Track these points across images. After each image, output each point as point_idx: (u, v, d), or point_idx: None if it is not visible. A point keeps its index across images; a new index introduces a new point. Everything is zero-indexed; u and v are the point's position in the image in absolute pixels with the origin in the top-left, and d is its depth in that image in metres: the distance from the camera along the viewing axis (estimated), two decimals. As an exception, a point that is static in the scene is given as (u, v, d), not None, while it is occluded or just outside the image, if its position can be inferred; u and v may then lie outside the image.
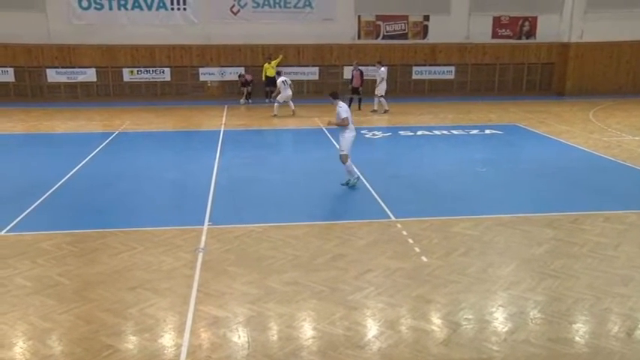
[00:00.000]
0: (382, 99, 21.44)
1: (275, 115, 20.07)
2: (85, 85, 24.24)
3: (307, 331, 6.13)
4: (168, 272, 7.46)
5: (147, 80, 25.16)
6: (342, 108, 11.38)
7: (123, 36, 24.20)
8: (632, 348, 5.73)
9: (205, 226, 9.10)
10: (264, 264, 7.76)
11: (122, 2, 24.12)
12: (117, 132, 17.30)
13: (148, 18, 24.41)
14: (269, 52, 24.75)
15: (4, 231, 8.90)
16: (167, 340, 5.93)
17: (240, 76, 24.59)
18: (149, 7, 24.42)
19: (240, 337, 5.98)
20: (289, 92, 20.32)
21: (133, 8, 24.28)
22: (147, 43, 24.53)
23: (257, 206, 10.31)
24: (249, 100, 24.05)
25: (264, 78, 24.39)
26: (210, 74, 25.39)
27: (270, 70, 24.25)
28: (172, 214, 9.89)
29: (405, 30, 26.34)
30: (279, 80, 20.76)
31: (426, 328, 6.15)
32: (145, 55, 24.87)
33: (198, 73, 25.29)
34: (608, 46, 26.05)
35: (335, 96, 11.54)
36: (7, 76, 24.04)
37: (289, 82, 20.61)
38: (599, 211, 9.77)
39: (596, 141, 15.89)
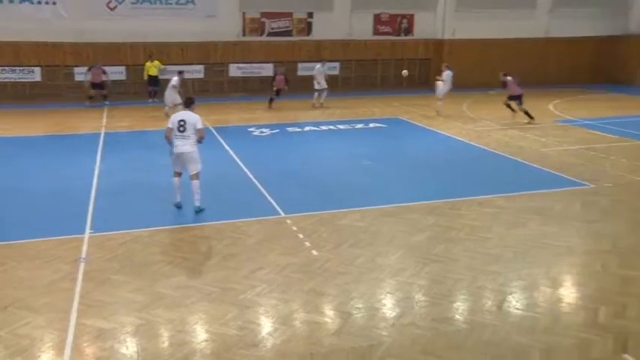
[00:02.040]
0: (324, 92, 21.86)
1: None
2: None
3: (199, 334, 6.02)
4: (46, 287, 6.99)
5: (13, 81, 23.36)
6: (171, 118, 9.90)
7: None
8: (502, 319, 6.22)
9: (87, 235, 8.64)
10: (151, 269, 7.50)
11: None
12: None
13: (10, 11, 22.60)
14: (151, 50, 23.91)
15: None
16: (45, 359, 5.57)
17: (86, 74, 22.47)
18: (10, 0, 22.61)
19: (128, 347, 5.74)
20: (176, 97, 18.02)
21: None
22: (10, 39, 22.73)
23: (144, 210, 9.94)
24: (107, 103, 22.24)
25: (145, 77, 23.54)
26: (85, 74, 24.08)
27: (152, 69, 23.45)
28: (49, 223, 9.26)
29: (289, 27, 26.56)
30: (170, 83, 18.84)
31: (319, 320, 6.26)
32: (9, 53, 23.06)
33: (73, 73, 23.88)
34: (477, 44, 27.87)
35: (184, 103, 10.16)
36: None
37: (177, 86, 18.53)
38: (473, 197, 10.45)
39: (469, 131, 16.97)
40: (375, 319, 6.29)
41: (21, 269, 7.47)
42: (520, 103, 18.61)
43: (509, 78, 18.77)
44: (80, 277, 7.23)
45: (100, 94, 22.48)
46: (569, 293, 6.95)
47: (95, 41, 23.64)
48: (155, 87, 23.52)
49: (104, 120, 19.28)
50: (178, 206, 9.76)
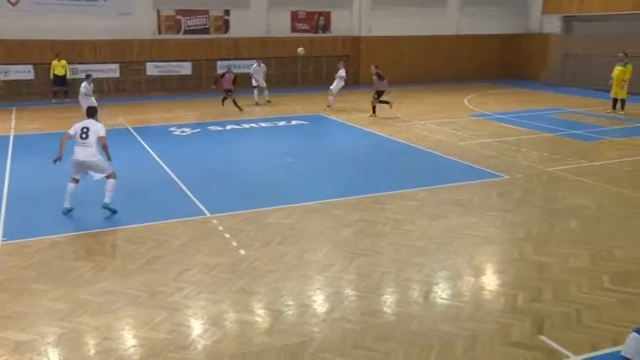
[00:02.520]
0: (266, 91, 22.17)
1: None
2: None
3: (127, 340, 5.85)
4: (-44, 300, 6.56)
5: None
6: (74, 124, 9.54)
7: None
8: (428, 309, 6.46)
9: (-1, 243, 8.17)
10: (73, 276, 7.21)
11: None
12: None
13: None
14: (59, 48, 22.81)
15: None
16: (-40, 376, 5.24)
17: None
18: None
19: (50, 359, 5.50)
20: (90, 102, 16.24)
21: None
22: None
23: (59, 216, 9.49)
24: None
25: (52, 76, 22.44)
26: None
27: (58, 68, 22.40)
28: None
29: (206, 25, 26.17)
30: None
31: (249, 319, 6.25)
32: None
33: (-26, 73, 22.41)
34: (392, 41, 28.65)
35: (86, 113, 9.87)
36: None
37: (88, 92, 17.29)
38: (396, 191, 10.76)
39: (389, 127, 17.42)
40: (305, 315, 6.35)
41: None
42: (377, 97, 19.08)
43: (379, 72, 19.07)
44: (-7, 288, 6.84)
45: None
46: (490, 281, 7.31)
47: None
48: (63, 87, 22.51)
49: (13, 122, 18.21)
50: (66, 212, 9.38)
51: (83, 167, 9.25)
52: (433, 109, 20.81)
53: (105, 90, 24.48)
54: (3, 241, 8.28)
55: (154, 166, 12.83)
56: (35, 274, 7.23)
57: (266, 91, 22.12)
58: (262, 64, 22.61)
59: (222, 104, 20.70)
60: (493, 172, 12.19)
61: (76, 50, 23.66)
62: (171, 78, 25.80)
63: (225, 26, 26.48)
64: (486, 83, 28.81)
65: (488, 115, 19.63)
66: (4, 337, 5.81)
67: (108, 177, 9.34)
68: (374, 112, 19.18)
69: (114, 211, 9.34)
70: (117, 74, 24.84)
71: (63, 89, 22.60)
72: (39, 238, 8.41)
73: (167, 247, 8.19)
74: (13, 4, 22.63)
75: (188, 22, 25.78)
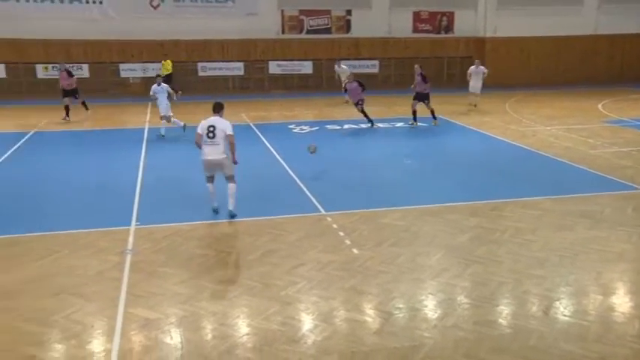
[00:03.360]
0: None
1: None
2: (-2, 81, 22.85)
3: (241, 328, 6.10)
4: (95, 276, 7.20)
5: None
6: (199, 124, 9.25)
7: (34, 30, 23.02)
8: (548, 325, 6.08)
9: (133, 227, 8.84)
10: (195, 263, 7.64)
11: (34, -5, 23.01)
12: (33, 131, 16.44)
13: (61, 12, 23.33)
14: (191, 47, 24.31)
15: None
16: (96, 345, 5.73)
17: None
18: (61, 1, 23.34)
19: (172, 338, 5.86)
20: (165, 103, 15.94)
21: (42, 0, 23.14)
22: (61, 37, 23.43)
23: (186, 205, 10.11)
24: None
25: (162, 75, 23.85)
26: (131, 70, 24.64)
27: (166, 67, 23.78)
28: (97, 215, 9.52)
29: (328, 24, 26.61)
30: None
31: (359, 318, 6.26)
32: (60, 51, 23.76)
33: (118, 70, 24.48)
34: (519, 41, 27.40)
35: (213, 109, 9.41)
36: None
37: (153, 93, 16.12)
38: (517, 198, 10.26)
39: (513, 131, 16.68)
40: (416, 319, 6.25)
41: (72, 258, 7.71)
42: (422, 101, 17.91)
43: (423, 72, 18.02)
44: (127, 267, 7.42)
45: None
46: (621, 302, 6.73)
47: (140, 39, 24.16)
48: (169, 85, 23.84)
49: (148, 115, 19.67)
50: (216, 211, 9.40)
51: (213, 167, 9.16)
52: (561, 114, 19.62)
53: (230, 87, 25.74)
54: (137, 225, 8.95)
55: (272, 162, 13.26)
56: (163, 258, 7.75)
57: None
58: (344, 66, 22.61)
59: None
60: (629, 183, 11.25)
61: (205, 49, 25.07)
62: (293, 77, 26.55)
63: (347, 26, 26.78)
64: (626, 87, 26.60)
65: (625, 122, 18.16)
66: (134, 313, 6.28)
67: (230, 180, 9.22)
68: (415, 118, 17.77)
69: (236, 215, 9.21)
70: (241, 72, 26.00)
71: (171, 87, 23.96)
72: (167, 225, 9.00)
73: (282, 241, 8.43)
74: (155, 8, 24.44)
75: (310, 22, 26.37)
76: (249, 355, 5.55)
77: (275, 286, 6.96)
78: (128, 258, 7.70)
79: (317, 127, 17.59)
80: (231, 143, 8.99)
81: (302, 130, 17.21)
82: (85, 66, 24.07)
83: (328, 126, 17.83)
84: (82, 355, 5.58)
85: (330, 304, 6.55)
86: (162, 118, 16.01)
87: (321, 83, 26.31)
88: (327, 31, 26.57)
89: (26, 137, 15.81)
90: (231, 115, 19.28)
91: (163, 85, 16.15)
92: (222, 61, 25.58)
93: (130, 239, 8.37)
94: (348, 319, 6.26)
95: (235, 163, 9.14)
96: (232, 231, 8.86)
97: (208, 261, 7.72)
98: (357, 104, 17.43)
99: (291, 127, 17.46)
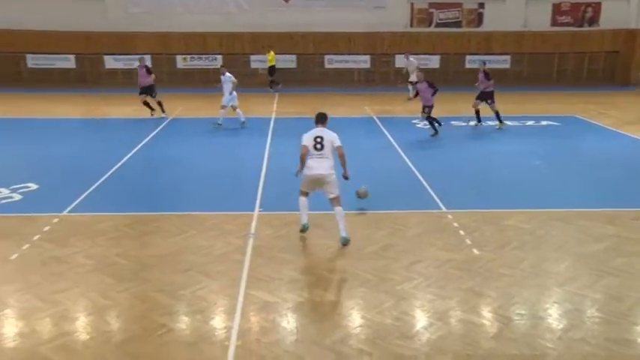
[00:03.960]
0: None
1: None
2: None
3: (355, 319, 6.13)
4: (220, 256, 7.59)
5: (199, 67, 25.58)
6: (303, 136, 8.12)
7: (177, 23, 24.67)
8: (696, 351, 5.48)
9: (256, 212, 9.21)
10: (312, 251, 7.80)
11: (177, -10, 24.67)
12: (170, 118, 17.65)
13: (201, 5, 24.80)
14: (317, 39, 24.77)
15: (66, 211, 9.25)
16: (218, 321, 6.05)
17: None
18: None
19: (289, 322, 6.03)
20: (229, 94, 16.28)
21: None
22: (199, 30, 24.90)
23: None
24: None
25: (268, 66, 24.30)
26: (261, 62, 25.62)
27: (270, 59, 24.11)
28: (224, 199, 10.05)
29: (458, 18, 25.86)
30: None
31: (477, 321, 6.05)
32: (198, 43, 25.28)
33: (249, 61, 25.54)
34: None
35: (316, 119, 8.28)
36: (69, 62, 24.90)
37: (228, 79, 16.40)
38: (663, 208, 9.36)
39: (660, 134, 15.22)
40: (538, 328, 5.92)
41: (200, 238, 8.19)
42: (485, 100, 16.27)
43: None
44: (249, 251, 7.74)
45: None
46: None
47: (271, 31, 25.03)
48: (271, 76, 24.15)
49: (275, 105, 20.36)
50: (304, 229, 8.20)
51: (318, 184, 8.01)
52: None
53: (355, 80, 25.89)
54: (260, 211, 9.31)
55: (394, 155, 13.17)
56: (283, 244, 8.00)
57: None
58: (412, 58, 21.81)
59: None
60: None
61: (332, 42, 25.41)
62: (419, 71, 26.10)
63: (479, 19, 25.85)
64: None
65: None
66: (255, 295, 6.55)
67: (335, 201, 8.01)
68: (478, 118, 16.49)
69: (349, 241, 8.01)
70: (367, 65, 26.03)
71: (270, 79, 24.19)
72: (288, 212, 9.25)
73: (401, 236, 8.35)
74: (287, 1, 25.19)
75: (440, 15, 25.78)
76: (361, 346, 5.57)
77: (391, 281, 6.92)
78: (250, 242, 8.03)
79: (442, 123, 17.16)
80: (341, 155, 7.96)
81: (425, 125, 16.88)
82: (219, 57, 25.38)
83: (453, 122, 17.36)
84: (205, 329, 5.91)
85: (447, 304, 6.39)
86: (222, 107, 16.32)
87: (447, 78, 25.62)
88: (457, 24, 25.82)
89: (164, 123, 17.00)
90: (355, 108, 19.51)
91: (227, 75, 16.44)
92: (349, 54, 25.80)
93: (253, 224, 8.72)
94: (464, 320, 6.07)
95: (347, 178, 8.12)
96: (351, 223, 8.90)
97: (326, 250, 7.84)
98: (423, 109, 15.28)
99: (414, 121, 17.22)
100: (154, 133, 15.67)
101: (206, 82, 25.09)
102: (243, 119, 16.51)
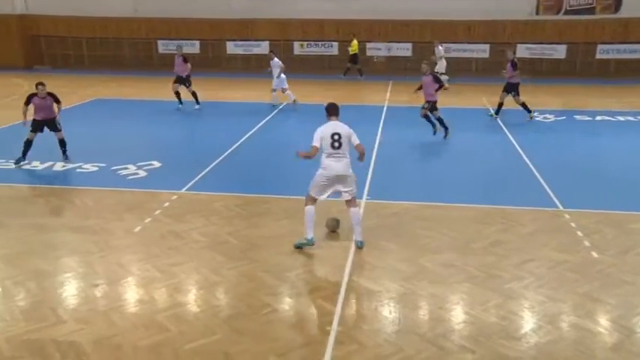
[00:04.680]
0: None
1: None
2: (259, 57, 25.51)
3: (459, 314, 5.97)
4: (326, 242, 7.69)
5: (315, 54, 25.95)
6: (316, 131, 7.46)
7: (296, 10, 25.14)
8: None
9: (364, 200, 9.22)
10: (419, 242, 7.67)
11: (300, -22, 25.13)
12: (285, 103, 18.10)
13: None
14: (436, 28, 24.17)
15: (184, 189, 9.82)
16: (321, 305, 6.14)
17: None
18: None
19: (391, 312, 6.00)
20: (276, 77, 17.23)
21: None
22: (317, 17, 25.21)
23: (414, 184, 10.21)
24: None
25: (350, 54, 23.86)
26: (376, 49, 25.49)
27: (354, 47, 23.64)
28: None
29: (592, 4, 24.07)
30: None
31: (592, 329, 5.67)
32: (315, 29, 25.62)
33: (365, 48, 25.49)
34: None
35: (329, 111, 7.70)
36: (194, 48, 26.29)
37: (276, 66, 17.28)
38: None
39: None
40: (665, 343, 5.43)
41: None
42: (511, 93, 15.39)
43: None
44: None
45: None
46: None
47: (387, 19, 24.79)
48: (355, 64, 23.70)
49: (388, 94, 20.21)
50: (310, 243, 7.34)
51: (336, 181, 7.26)
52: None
53: (473, 69, 25.03)
54: (367, 199, 9.31)
55: (510, 149, 12.60)
56: (388, 234, 7.94)
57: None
58: (440, 47, 21.34)
59: None
60: None
61: (450, 30, 24.68)
62: (542, 61, 24.74)
63: (616, 5, 23.87)
64: None
65: None
66: (358, 283, 6.59)
67: (352, 202, 7.44)
68: (498, 110, 15.73)
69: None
70: (486, 55, 25.05)
71: (356, 67, 23.79)
72: (395, 202, 9.18)
73: (513, 233, 8.00)
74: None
75: (571, 2, 24.16)
76: (464, 343, 5.42)
77: (499, 278, 6.65)
78: (357, 229, 8.04)
79: (563, 117, 16.19)
80: (361, 153, 7.43)
81: (546, 118, 16.00)
82: (335, 44, 25.58)
83: (577, 116, 16.29)
84: (309, 312, 6.04)
85: (559, 307, 6.04)
86: (273, 90, 17.34)
87: (574, 69, 24.07)
88: (590, 11, 24.04)
89: (279, 108, 17.44)
90: (471, 99, 18.91)
91: (275, 60, 17.34)
92: (468, 43, 24.96)
93: (361, 211, 8.72)
94: (578, 326, 5.71)
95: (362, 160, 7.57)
96: (460, 216, 8.67)
97: (432, 242, 7.69)
98: (423, 105, 13.55)
99: (534, 114, 16.36)
100: (269, 117, 16.14)
101: (322, 68, 25.54)
102: (293, 98, 17.22)
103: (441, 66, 21.51)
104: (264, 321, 5.80)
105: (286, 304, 6.23)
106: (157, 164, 11.30)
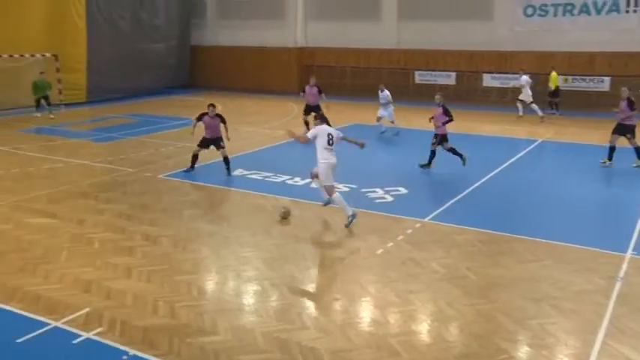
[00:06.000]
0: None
1: None
2: (516, 90, 24.33)
3: None
4: (577, 294, 6.94)
5: (582, 90, 23.92)
6: (314, 128, 10.00)
7: (560, 42, 23.58)
8: None
9: (628, 254, 8.11)
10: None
11: (568, 8, 23.57)
12: (540, 140, 17.02)
13: (591, 23, 23.14)
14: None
15: (428, 218, 9.82)
16: (565, 364, 5.54)
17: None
18: (598, 12, 23.10)
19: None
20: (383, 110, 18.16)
21: (579, 13, 23.42)
22: (584, 49, 23.26)
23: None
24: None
25: (550, 88, 21.98)
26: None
27: (553, 80, 21.76)
28: (590, 234, 9.17)
29: None
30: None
31: None
32: (582, 63, 23.64)
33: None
34: None
35: (322, 121, 9.93)
36: (449, 79, 26.40)
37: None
38: None
39: None
40: None
41: (556, 270, 7.66)
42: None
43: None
44: (614, 296, 6.86)
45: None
46: None
47: None
48: (554, 98, 22.17)
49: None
50: (355, 215, 9.32)
51: (332, 169, 9.54)
52: None
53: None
54: (632, 254, 8.16)
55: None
56: (656, 297, 6.84)
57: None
58: (525, 76, 20.64)
59: None
60: None
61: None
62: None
63: None
64: None
65: None
66: (614, 347, 5.76)
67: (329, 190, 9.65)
68: (610, 156, 13.30)
69: (348, 224, 9.26)
70: None
71: (554, 100, 22.22)
72: None
73: None
74: None
75: None
76: None
77: None
78: (617, 286, 7.10)
79: None
80: (344, 138, 9.79)
81: None
82: (607, 79, 23.24)
83: None
84: (550, 368, 5.49)
85: None
86: (378, 119, 18.14)
87: None
88: None
89: (533, 145, 16.45)
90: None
91: (385, 92, 17.99)
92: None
93: (623, 267, 7.69)
94: None
95: (363, 146, 10.05)
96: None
97: None
98: (432, 141, 13.45)
99: None
100: (522, 153, 15.33)
101: (587, 105, 23.30)
102: (386, 129, 17.88)
103: (525, 94, 20.62)
104: (499, 368, 5.43)
105: (525, 353, 5.77)
106: (403, 190, 11.53)
